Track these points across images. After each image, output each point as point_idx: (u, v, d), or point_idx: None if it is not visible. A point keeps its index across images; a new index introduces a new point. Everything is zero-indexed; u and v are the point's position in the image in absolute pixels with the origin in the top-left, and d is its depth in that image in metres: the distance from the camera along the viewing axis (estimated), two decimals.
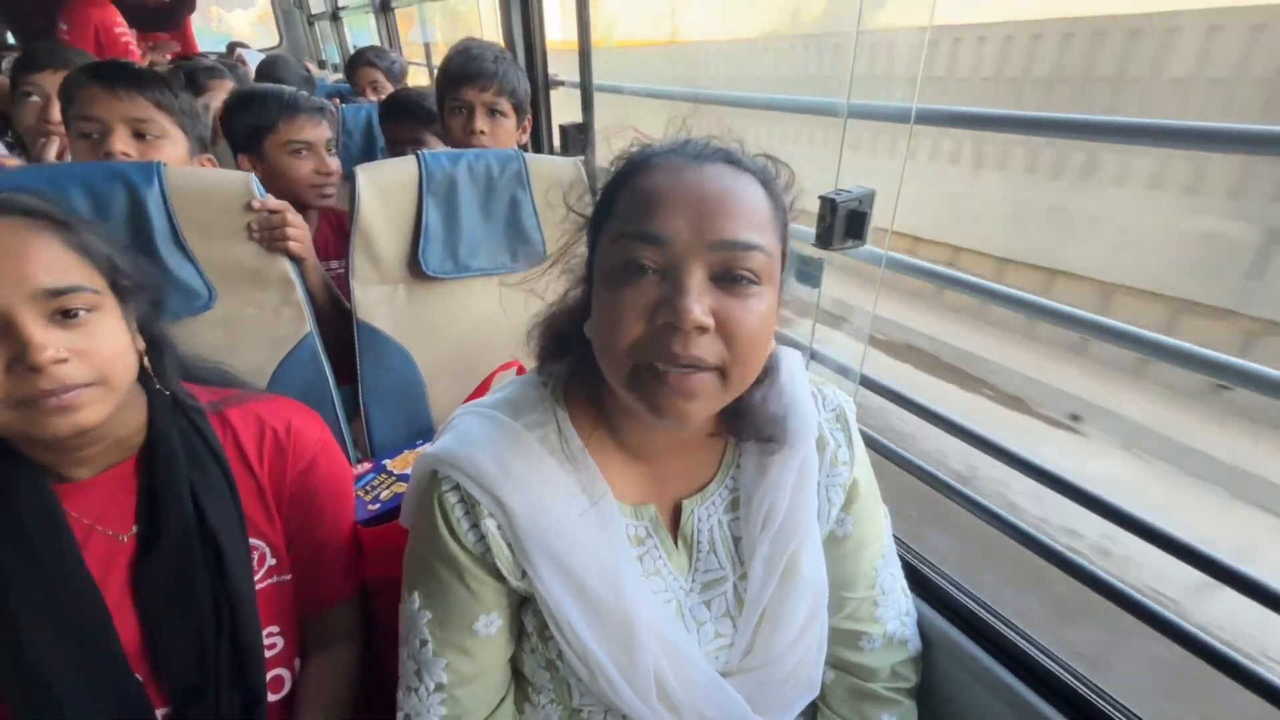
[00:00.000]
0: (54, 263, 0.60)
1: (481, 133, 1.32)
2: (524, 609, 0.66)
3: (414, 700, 0.64)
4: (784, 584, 0.64)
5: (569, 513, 0.59)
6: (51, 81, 1.36)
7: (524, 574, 0.60)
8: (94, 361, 0.61)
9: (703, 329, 0.49)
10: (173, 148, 1.05)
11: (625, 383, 0.53)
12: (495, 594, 0.63)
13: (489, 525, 0.59)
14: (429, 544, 0.62)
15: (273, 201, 0.98)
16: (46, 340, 0.57)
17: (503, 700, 0.68)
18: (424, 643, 0.63)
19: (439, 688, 0.63)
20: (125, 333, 0.66)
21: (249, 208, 0.96)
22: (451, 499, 0.60)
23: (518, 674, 0.70)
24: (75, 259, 0.62)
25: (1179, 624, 0.69)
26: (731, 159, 0.54)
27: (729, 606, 0.66)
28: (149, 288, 0.71)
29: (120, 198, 0.87)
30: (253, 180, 0.97)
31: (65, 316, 0.60)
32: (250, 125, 1.30)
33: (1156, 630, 0.71)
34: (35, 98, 1.37)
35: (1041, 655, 0.78)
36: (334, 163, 1.36)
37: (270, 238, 0.98)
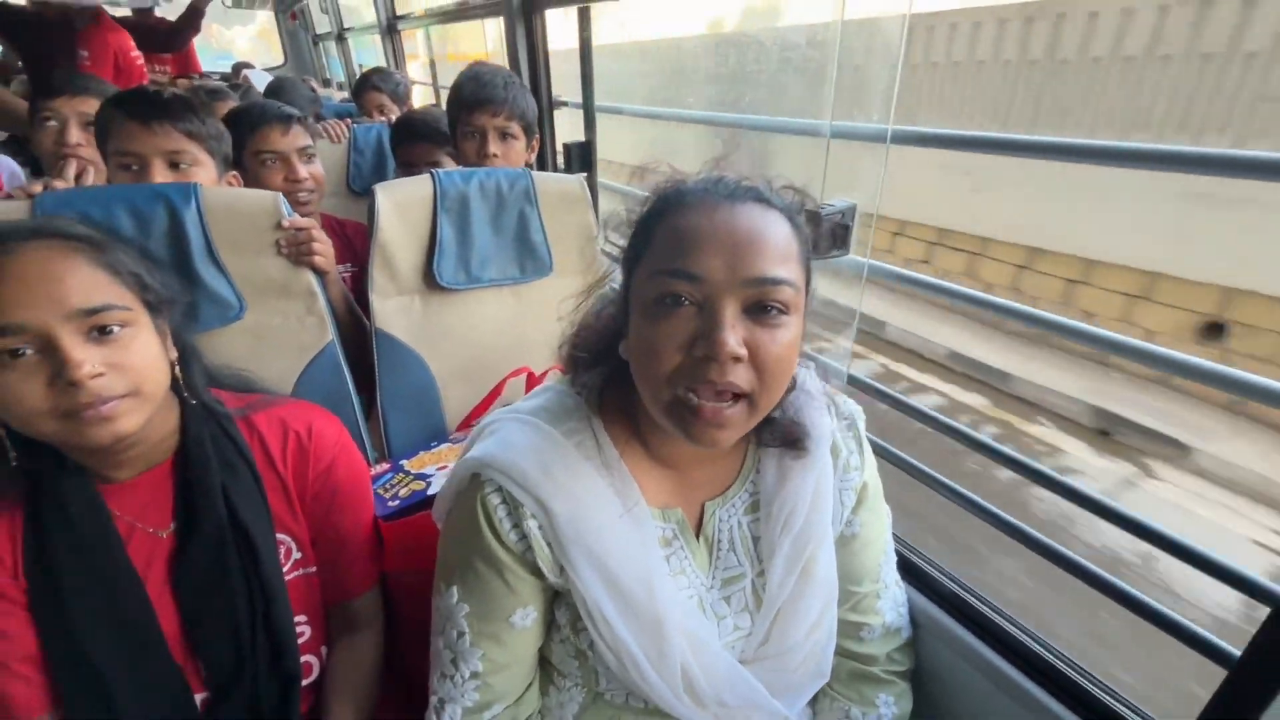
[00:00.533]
0: (87, 283, 0.64)
1: (494, 155, 1.38)
2: (557, 603, 0.70)
3: (449, 686, 0.68)
4: (801, 582, 0.69)
5: (606, 516, 0.63)
6: (69, 106, 1.40)
7: (561, 571, 0.64)
8: (128, 374, 0.65)
9: (738, 359, 0.53)
10: (204, 172, 1.11)
11: (663, 410, 0.57)
12: (532, 590, 0.67)
13: (531, 526, 0.63)
14: (469, 542, 0.66)
15: (300, 220, 1.04)
16: (84, 357, 0.62)
17: (530, 685, 0.73)
18: (461, 634, 0.67)
19: (474, 675, 0.67)
20: (157, 345, 0.70)
21: (279, 226, 1.02)
22: (494, 500, 0.64)
23: (544, 660, 0.75)
24: (106, 278, 0.66)
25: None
26: (761, 198, 0.58)
27: (747, 602, 0.70)
28: (178, 301, 0.75)
29: (161, 217, 0.94)
30: (280, 199, 1.03)
31: (100, 333, 0.64)
32: (232, 141, 1.37)
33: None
34: (53, 122, 1.41)
35: (1024, 635, 0.83)
36: (305, 170, 1.37)
37: (297, 253, 1.04)
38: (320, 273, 1.09)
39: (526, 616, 0.68)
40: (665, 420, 0.58)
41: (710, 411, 0.54)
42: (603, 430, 0.67)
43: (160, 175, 1.08)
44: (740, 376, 0.54)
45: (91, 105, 1.36)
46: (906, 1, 0.87)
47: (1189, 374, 0.69)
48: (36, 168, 2.56)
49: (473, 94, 1.37)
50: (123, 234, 0.76)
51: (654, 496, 0.68)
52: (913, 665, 0.85)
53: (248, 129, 1.33)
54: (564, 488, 0.63)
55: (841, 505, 0.75)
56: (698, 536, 0.70)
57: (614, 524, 0.64)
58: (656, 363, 0.55)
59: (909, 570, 0.92)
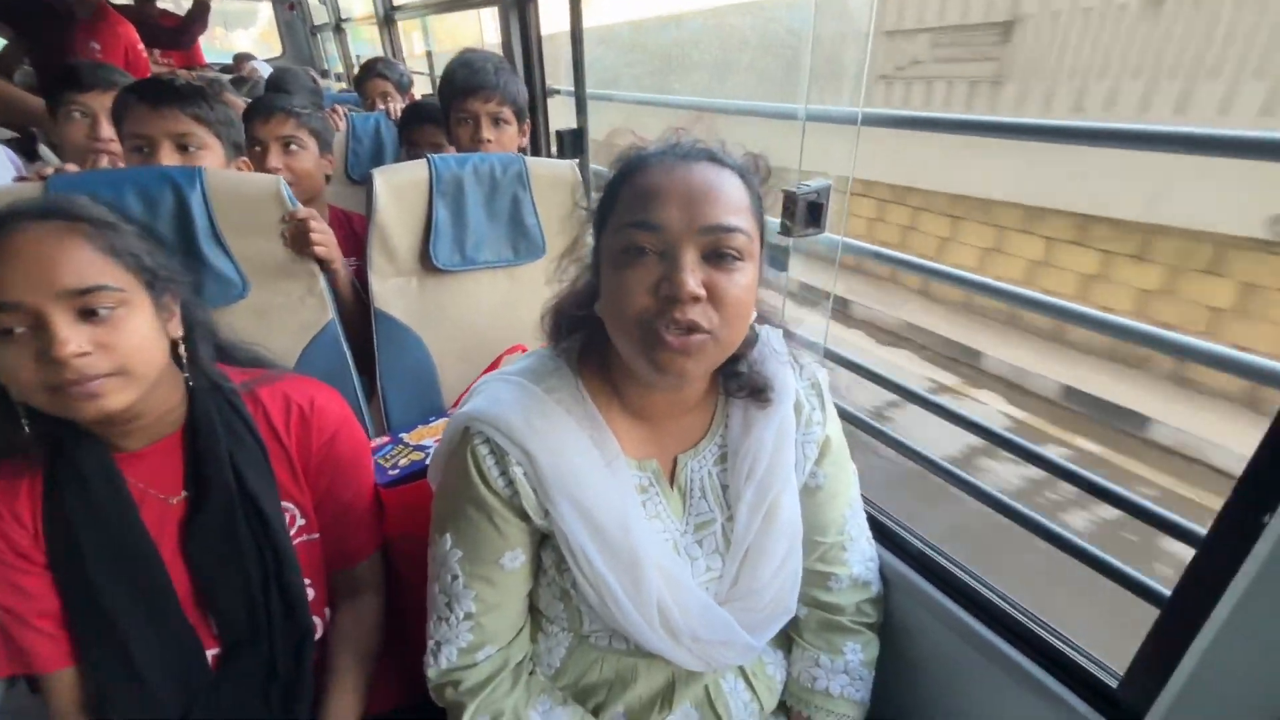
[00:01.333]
0: (82, 264, 0.66)
1: (488, 140, 1.41)
2: (543, 546, 0.75)
3: (444, 628, 0.73)
4: (765, 525, 0.74)
5: (585, 463, 0.69)
6: (99, 101, 1.43)
7: (546, 514, 0.70)
8: (115, 354, 0.67)
9: (697, 298, 0.59)
10: (212, 156, 1.15)
11: (634, 347, 0.62)
12: (520, 532, 0.72)
13: (516, 472, 0.68)
14: (461, 491, 0.71)
15: (301, 211, 1.08)
16: (69, 335, 0.64)
17: (521, 630, 0.78)
18: (455, 577, 0.72)
19: (467, 616, 0.72)
20: (152, 324, 0.72)
21: (283, 219, 1.07)
22: (483, 450, 0.69)
23: (533, 609, 0.80)
24: (103, 258, 0.68)
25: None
26: (714, 157, 0.64)
27: (718, 544, 0.76)
28: (180, 280, 0.79)
29: (168, 199, 0.98)
30: (280, 183, 1.07)
31: (92, 313, 0.66)
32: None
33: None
34: (82, 116, 1.44)
35: (987, 590, 0.88)
36: (279, 160, 1.39)
37: (298, 242, 1.08)
38: (322, 263, 1.13)
39: (515, 559, 0.73)
40: (637, 358, 0.63)
41: (677, 340, 0.60)
42: (582, 387, 0.72)
43: (168, 157, 1.12)
44: (700, 315, 0.60)
45: None
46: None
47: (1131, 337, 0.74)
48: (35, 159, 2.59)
49: (465, 80, 1.40)
50: (130, 214, 0.79)
51: (631, 448, 0.73)
52: (881, 619, 0.90)
53: (245, 119, 1.38)
54: (545, 437, 0.68)
55: (805, 457, 0.80)
56: (672, 486, 0.75)
57: (592, 470, 0.69)
58: (625, 305, 0.61)
59: (879, 530, 0.97)
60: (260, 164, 1.37)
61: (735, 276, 0.61)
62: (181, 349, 0.79)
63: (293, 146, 1.41)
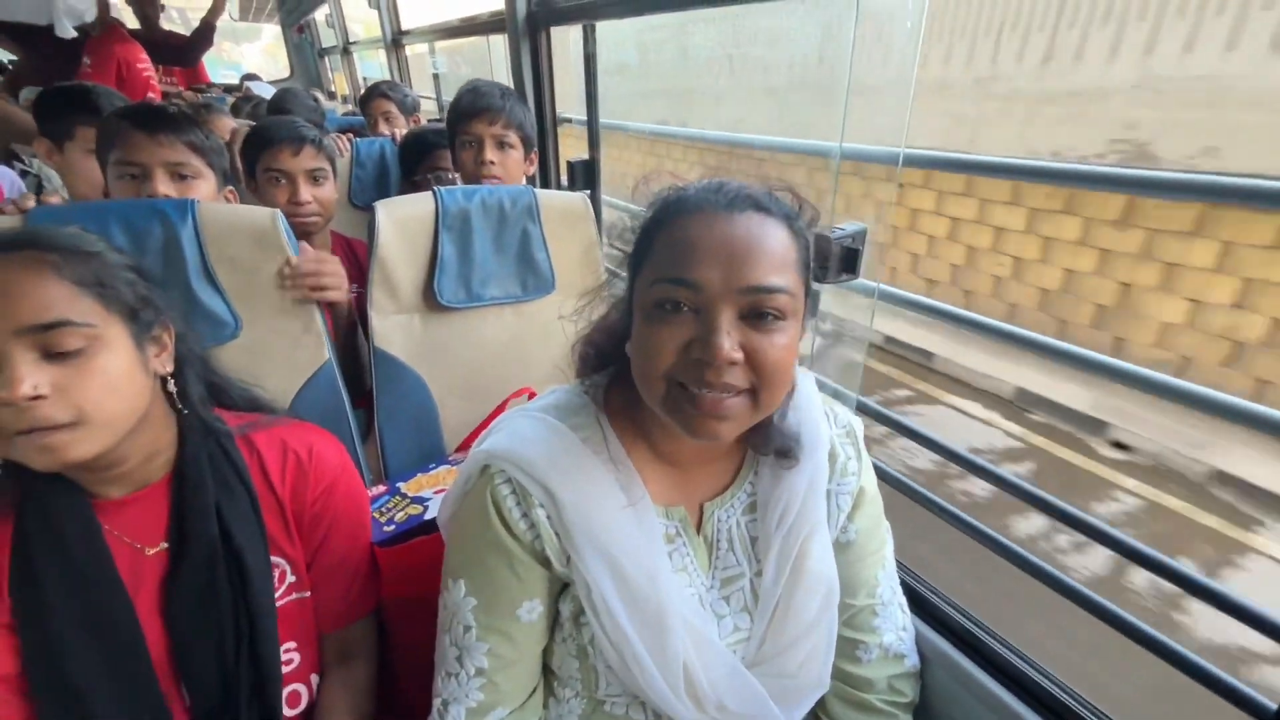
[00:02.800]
0: (48, 298, 0.61)
1: (491, 163, 1.37)
2: (562, 596, 0.70)
3: (453, 685, 0.68)
4: (795, 576, 0.69)
5: (611, 508, 0.65)
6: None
7: (568, 560, 0.65)
8: (75, 400, 0.61)
9: (733, 363, 0.55)
10: (205, 185, 1.11)
11: (661, 404, 0.59)
12: (540, 581, 0.67)
13: (539, 515, 0.64)
14: (478, 534, 0.66)
15: (308, 263, 1.03)
16: (26, 374, 0.58)
17: (534, 691, 0.72)
18: (468, 628, 0.67)
19: (479, 672, 0.67)
20: (129, 364, 0.66)
21: (281, 271, 1.02)
22: (504, 490, 0.65)
23: (545, 669, 0.74)
24: (72, 292, 0.63)
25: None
26: (759, 205, 0.59)
27: (746, 601, 0.71)
28: (164, 315, 0.73)
29: (157, 232, 0.92)
30: (278, 217, 1.02)
31: (57, 353, 0.61)
32: (248, 156, 1.36)
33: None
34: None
35: (1037, 674, 0.81)
36: (309, 193, 1.35)
37: (306, 291, 1.03)
38: (333, 306, 1.09)
39: (533, 610, 0.68)
40: (665, 415, 0.59)
41: (710, 402, 0.56)
42: (609, 427, 0.68)
43: (163, 186, 1.07)
44: (737, 377, 0.56)
45: None
46: (919, 15, 0.86)
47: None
48: (35, 184, 2.55)
49: (470, 104, 1.37)
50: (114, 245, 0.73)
51: (658, 494, 0.69)
52: (917, 698, 0.83)
53: (262, 144, 1.33)
54: (570, 478, 0.64)
55: (837, 509, 0.75)
56: (699, 536, 0.71)
57: (619, 515, 0.65)
58: (653, 362, 0.58)
59: (917, 602, 0.90)
60: (289, 197, 1.33)
61: (775, 337, 0.57)
62: (171, 385, 0.73)
63: (319, 178, 1.38)
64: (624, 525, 0.65)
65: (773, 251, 0.57)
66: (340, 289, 1.08)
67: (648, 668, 0.63)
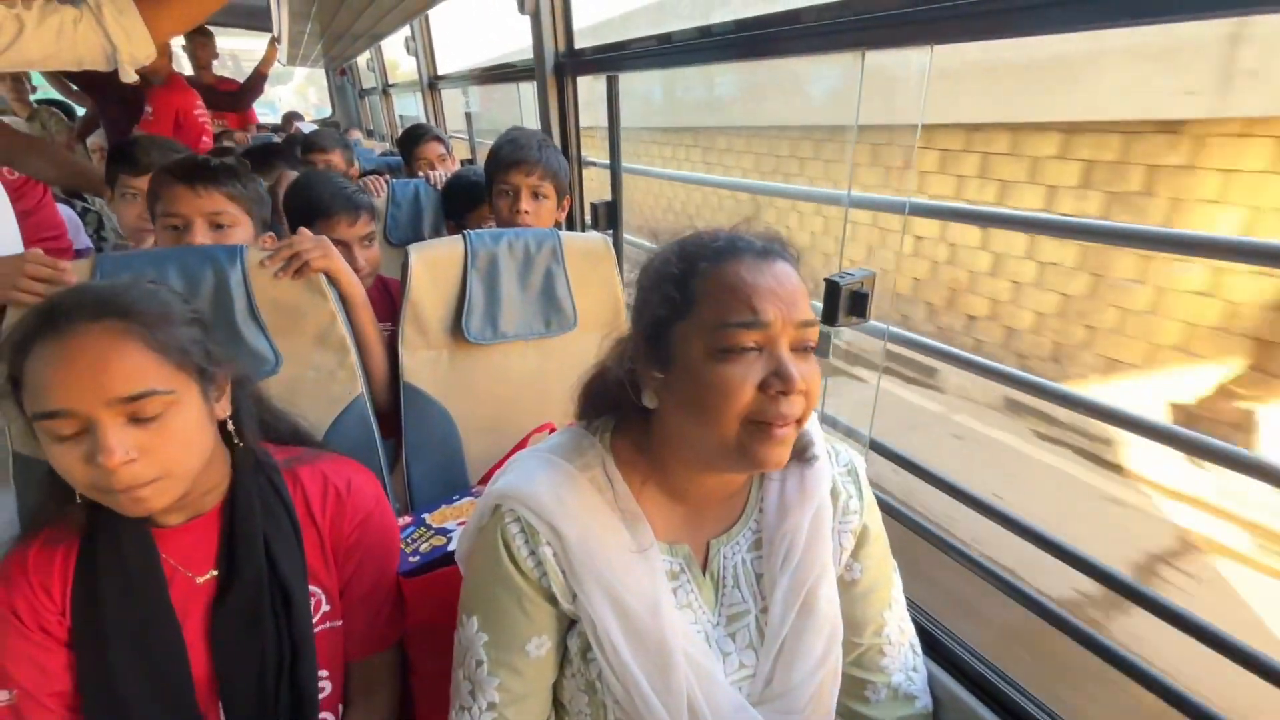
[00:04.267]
0: (134, 369, 0.66)
1: (526, 213, 1.44)
2: (570, 632, 0.72)
3: (466, 718, 0.70)
4: (801, 617, 0.70)
5: (615, 544, 0.67)
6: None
7: (574, 597, 0.67)
8: (159, 459, 0.68)
9: (801, 391, 0.61)
10: (242, 232, 1.18)
11: (734, 443, 0.62)
12: (547, 617, 0.69)
13: (546, 552, 0.67)
14: (490, 571, 0.69)
15: (273, 254, 1.06)
16: (116, 444, 0.64)
17: None
18: (480, 663, 0.69)
19: (490, 706, 0.69)
20: (200, 418, 0.72)
21: (262, 264, 1.05)
22: (513, 529, 0.68)
23: (556, 703, 0.75)
24: (154, 361, 0.68)
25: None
26: (782, 251, 0.67)
27: (751, 638, 0.71)
28: (225, 365, 0.78)
29: (209, 277, 1.00)
30: None
31: (141, 418, 0.67)
32: (296, 215, 1.43)
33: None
34: (134, 198, 1.49)
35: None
36: (363, 258, 1.42)
37: (294, 269, 1.06)
38: (332, 277, 1.11)
39: (541, 646, 0.69)
40: (737, 450, 0.62)
41: (782, 433, 0.61)
42: (615, 468, 0.71)
43: (201, 235, 1.14)
44: (798, 406, 0.62)
45: None
46: (922, 71, 0.90)
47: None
48: (96, 220, 2.72)
49: (509, 155, 1.43)
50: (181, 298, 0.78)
51: (663, 531, 0.71)
52: None
53: (317, 212, 1.39)
54: (576, 515, 0.67)
55: (841, 547, 0.76)
56: (704, 573, 0.72)
57: (622, 553, 0.67)
58: (729, 402, 0.61)
59: (929, 643, 0.90)
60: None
61: (814, 365, 0.64)
62: (230, 426, 0.79)
63: (370, 241, 1.46)
64: (627, 562, 0.67)
65: (802, 289, 0.64)
66: (326, 257, 1.09)
67: (652, 703, 0.65)
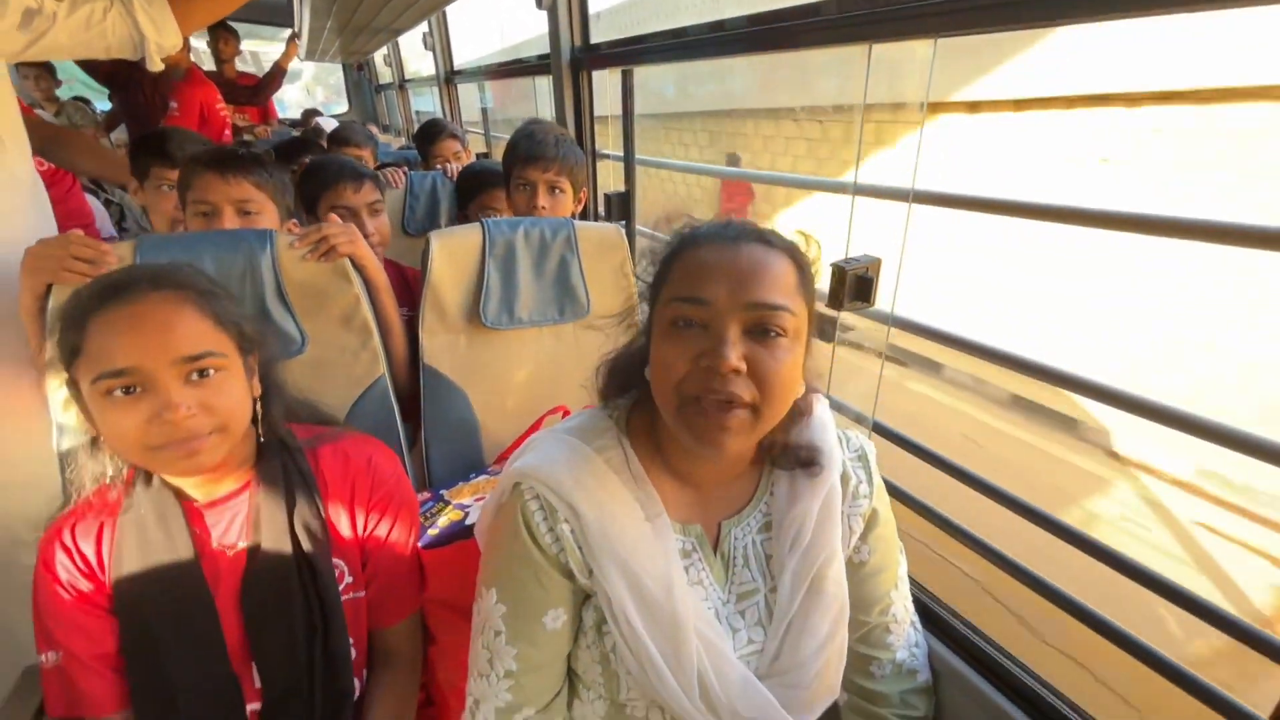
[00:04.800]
0: (194, 332, 0.73)
1: (543, 207, 1.47)
2: (585, 605, 0.75)
3: (484, 685, 0.73)
4: (809, 597, 0.73)
5: (631, 522, 0.70)
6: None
7: (590, 573, 0.70)
8: (217, 413, 0.74)
9: (737, 371, 0.61)
10: (267, 219, 1.23)
11: (674, 414, 0.65)
12: (563, 591, 0.72)
13: (564, 529, 0.70)
14: (509, 545, 0.72)
15: (302, 236, 1.11)
16: (181, 399, 0.71)
17: (558, 693, 0.76)
18: (498, 633, 0.72)
19: (508, 674, 0.72)
20: (243, 385, 0.79)
21: (291, 246, 1.09)
22: (532, 506, 0.70)
23: (571, 672, 0.79)
24: (210, 326, 0.75)
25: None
26: (763, 239, 0.67)
27: (760, 616, 0.74)
28: (265, 344, 0.85)
29: (240, 260, 1.04)
30: None
31: (199, 376, 0.73)
32: (308, 191, 1.47)
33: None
34: (170, 189, 1.49)
35: (1052, 695, 0.82)
36: (372, 225, 1.46)
37: (321, 252, 1.11)
38: (358, 262, 1.15)
39: (557, 619, 0.72)
40: (678, 426, 0.65)
41: (715, 413, 0.62)
42: (630, 448, 0.74)
43: (229, 221, 1.19)
44: (741, 387, 0.61)
45: None
46: (927, 64, 0.92)
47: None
48: (118, 212, 2.79)
49: (527, 150, 1.46)
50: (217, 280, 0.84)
51: (675, 511, 0.73)
52: (930, 713, 0.85)
53: (324, 183, 1.44)
54: (593, 495, 0.69)
55: (850, 530, 0.78)
56: (715, 553, 0.75)
57: (638, 531, 0.70)
58: (669, 373, 0.64)
59: (928, 617, 0.93)
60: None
61: (777, 353, 0.62)
62: (258, 406, 0.83)
63: (377, 210, 1.50)
64: (642, 540, 0.69)
65: (775, 275, 0.64)
66: (352, 243, 1.14)
67: (664, 675, 0.67)
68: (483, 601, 0.74)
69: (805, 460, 0.74)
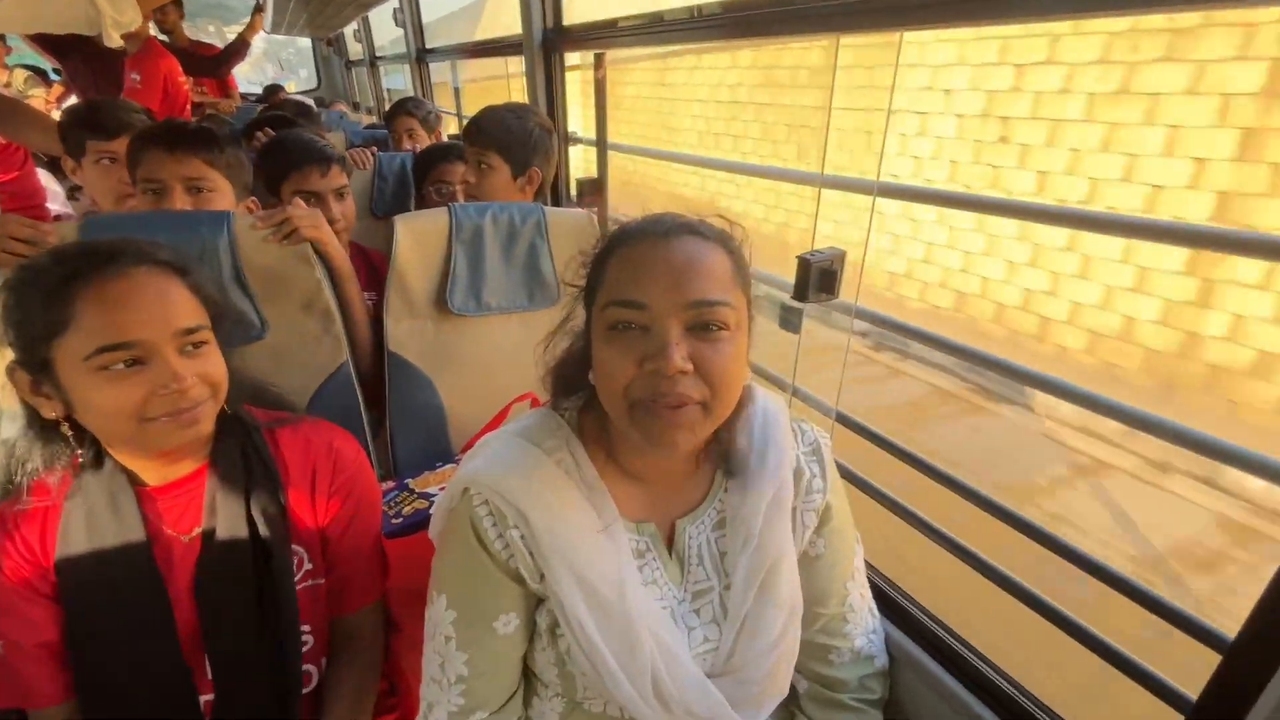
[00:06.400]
0: (186, 306, 0.75)
1: (466, 182, 1.48)
2: (538, 609, 0.74)
3: (436, 690, 0.73)
4: (761, 596, 0.73)
5: (582, 525, 0.68)
6: (124, 146, 1.43)
7: (542, 577, 0.69)
8: (210, 381, 0.76)
9: (684, 372, 0.60)
10: (221, 198, 1.18)
11: (625, 418, 0.63)
12: (515, 596, 0.71)
13: (513, 535, 0.68)
14: (459, 552, 0.71)
15: (265, 216, 1.07)
16: (183, 370, 0.72)
17: (513, 695, 0.76)
18: (448, 638, 0.71)
19: (459, 679, 0.71)
20: (220, 355, 0.79)
21: (253, 227, 1.06)
22: (481, 512, 0.69)
23: (528, 671, 0.78)
24: (194, 300, 0.76)
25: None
26: (694, 230, 0.66)
27: (715, 614, 0.74)
28: (229, 320, 0.84)
29: (196, 242, 1.01)
30: None
31: (193, 348, 0.75)
32: (270, 171, 1.43)
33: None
34: (113, 162, 1.44)
35: (1000, 678, 0.84)
36: (338, 209, 1.42)
37: (284, 234, 1.08)
38: (319, 246, 1.13)
39: (509, 623, 0.72)
40: (630, 429, 0.64)
41: (667, 413, 0.61)
42: (581, 449, 0.72)
43: (180, 200, 1.15)
44: (689, 387, 0.61)
45: None
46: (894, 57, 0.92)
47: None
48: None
49: (467, 129, 1.46)
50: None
51: (629, 510, 0.73)
52: (886, 694, 0.87)
53: (289, 165, 1.40)
54: (543, 499, 0.68)
55: (804, 525, 0.78)
56: (670, 552, 0.75)
57: (589, 533, 0.69)
58: (614, 379, 0.63)
59: (885, 604, 0.94)
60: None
61: (721, 347, 0.62)
62: None
63: (343, 194, 1.46)
64: (594, 544, 0.68)
65: (711, 269, 0.63)
66: (317, 228, 1.12)
67: (618, 678, 0.67)
68: (433, 607, 0.73)
69: (736, 468, 0.74)
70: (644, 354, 0.61)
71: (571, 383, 0.75)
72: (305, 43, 5.87)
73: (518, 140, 1.49)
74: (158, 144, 1.15)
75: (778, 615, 0.73)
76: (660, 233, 0.65)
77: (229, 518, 0.81)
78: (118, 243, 0.75)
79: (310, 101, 3.62)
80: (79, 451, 0.76)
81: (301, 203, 1.11)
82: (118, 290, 0.70)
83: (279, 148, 1.46)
